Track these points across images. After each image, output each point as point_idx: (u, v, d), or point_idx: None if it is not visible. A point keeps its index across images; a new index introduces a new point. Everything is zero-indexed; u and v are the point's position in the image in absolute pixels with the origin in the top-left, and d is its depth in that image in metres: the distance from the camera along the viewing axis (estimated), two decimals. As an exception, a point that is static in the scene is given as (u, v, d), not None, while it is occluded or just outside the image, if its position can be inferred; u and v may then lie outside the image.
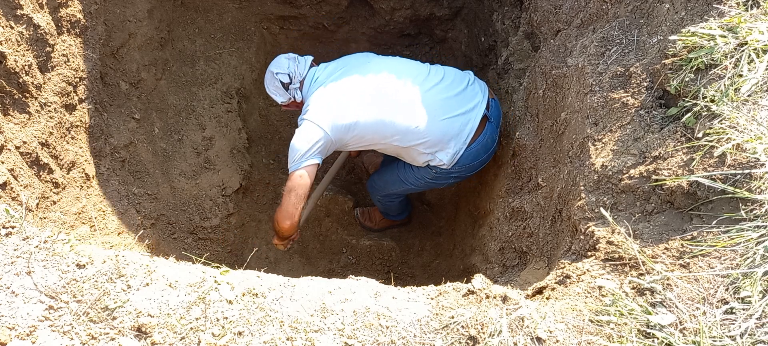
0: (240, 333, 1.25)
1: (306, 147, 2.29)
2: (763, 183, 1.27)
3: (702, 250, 1.29)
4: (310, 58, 2.64)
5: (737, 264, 1.23)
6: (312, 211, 2.97)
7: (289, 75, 2.53)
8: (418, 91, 2.38)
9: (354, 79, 2.41)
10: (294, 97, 2.57)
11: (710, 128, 1.39)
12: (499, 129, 2.55)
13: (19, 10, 1.94)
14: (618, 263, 1.39)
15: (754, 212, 1.26)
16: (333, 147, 2.38)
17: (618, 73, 1.75)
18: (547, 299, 1.45)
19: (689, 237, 1.33)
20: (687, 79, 1.52)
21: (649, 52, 1.70)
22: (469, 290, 1.41)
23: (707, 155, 1.37)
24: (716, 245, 1.27)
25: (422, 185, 2.71)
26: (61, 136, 2.16)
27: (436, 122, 2.36)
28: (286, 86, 2.55)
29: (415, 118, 2.34)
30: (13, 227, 1.41)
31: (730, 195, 1.30)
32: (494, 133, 2.52)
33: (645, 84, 1.65)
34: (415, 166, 2.59)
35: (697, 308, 1.20)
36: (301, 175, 2.30)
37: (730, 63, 1.45)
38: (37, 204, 1.94)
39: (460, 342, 1.25)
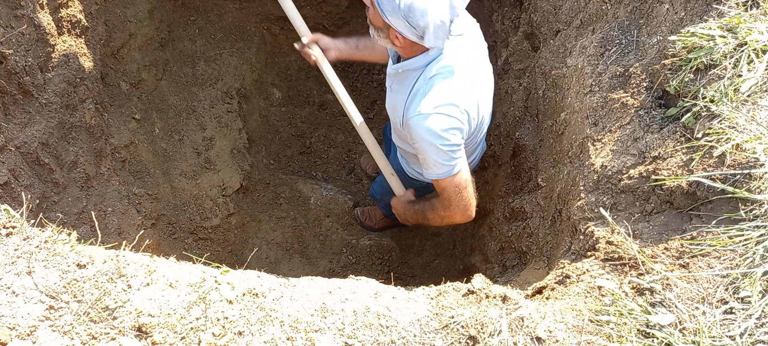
0: (240, 333, 1.25)
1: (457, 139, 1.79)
2: (763, 183, 1.27)
3: (701, 250, 1.29)
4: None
5: (737, 264, 1.23)
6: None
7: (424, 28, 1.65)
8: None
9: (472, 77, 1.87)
10: (408, 37, 1.70)
11: (710, 128, 1.40)
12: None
13: (20, 11, 1.94)
14: (617, 262, 1.39)
15: (754, 211, 1.26)
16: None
17: (617, 73, 1.75)
18: (547, 298, 1.45)
19: (689, 237, 1.33)
20: (686, 79, 1.53)
21: (648, 53, 1.70)
22: (469, 290, 1.41)
23: (707, 155, 1.38)
24: (716, 245, 1.27)
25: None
26: (62, 137, 2.16)
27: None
28: (415, 30, 1.67)
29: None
30: (13, 227, 1.41)
31: (729, 195, 1.30)
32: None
33: (644, 84, 1.65)
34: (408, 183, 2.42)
35: (697, 308, 1.20)
36: (465, 171, 1.86)
37: (729, 63, 1.45)
38: (38, 204, 1.94)
39: (459, 342, 1.26)
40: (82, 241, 1.49)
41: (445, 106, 1.74)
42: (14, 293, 1.26)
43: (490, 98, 2.03)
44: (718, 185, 1.32)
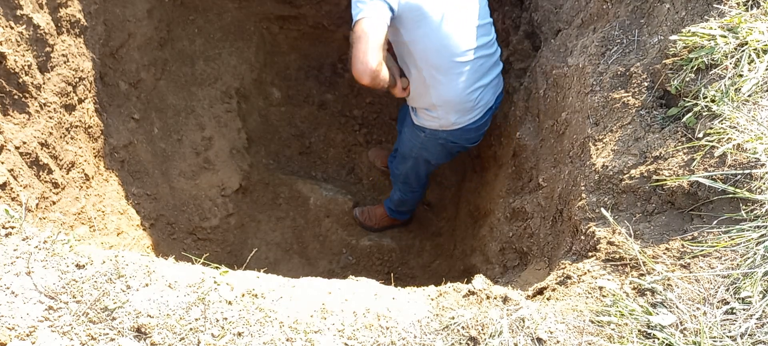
0: (239, 334, 1.25)
1: None
2: (764, 183, 1.27)
3: (702, 250, 1.29)
4: None
5: (738, 264, 1.23)
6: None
7: None
8: (474, 46, 2.21)
9: None
10: None
11: (711, 128, 1.39)
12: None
13: (19, 10, 1.93)
14: (619, 263, 1.39)
15: (755, 212, 1.26)
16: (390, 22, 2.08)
17: (618, 73, 1.75)
18: (548, 299, 1.45)
19: (690, 237, 1.33)
20: (687, 79, 1.52)
21: (649, 52, 1.70)
22: (469, 291, 1.41)
23: (708, 155, 1.37)
24: (717, 246, 1.27)
25: (415, 152, 2.67)
26: (61, 137, 2.16)
27: (469, 83, 2.23)
28: None
29: (464, 62, 2.18)
30: (12, 228, 1.41)
31: (730, 195, 1.30)
32: (489, 120, 2.54)
33: (646, 84, 1.65)
34: (408, 131, 2.58)
35: (698, 309, 1.20)
36: (365, 21, 2.01)
37: (730, 63, 1.44)
38: (37, 204, 1.94)
39: (460, 343, 1.25)
40: (81, 241, 1.48)
41: None
42: (13, 293, 1.26)
43: None
44: (719, 185, 1.31)
